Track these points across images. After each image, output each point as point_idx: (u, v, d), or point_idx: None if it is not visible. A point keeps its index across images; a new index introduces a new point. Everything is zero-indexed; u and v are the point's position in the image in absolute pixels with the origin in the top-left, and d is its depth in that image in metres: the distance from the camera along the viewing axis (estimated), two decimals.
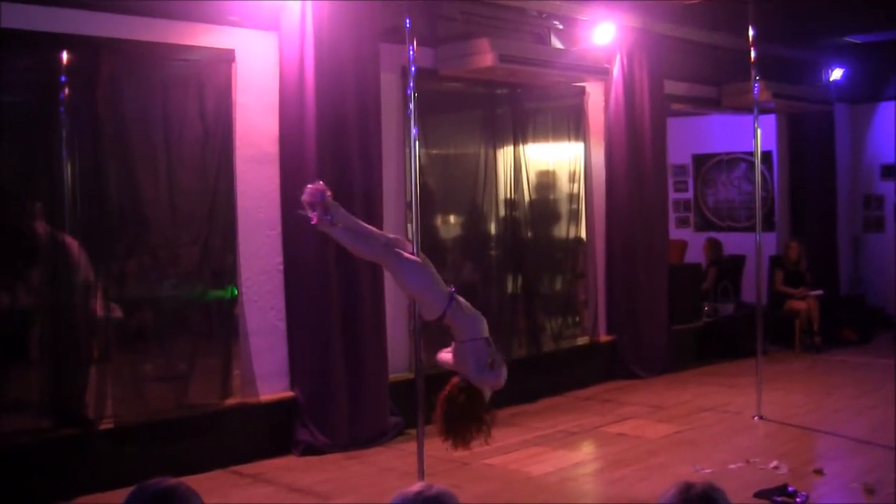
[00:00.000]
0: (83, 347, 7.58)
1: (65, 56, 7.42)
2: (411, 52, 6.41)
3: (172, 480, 2.73)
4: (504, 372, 6.09)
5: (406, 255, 6.21)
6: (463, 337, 6.09)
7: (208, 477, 7.73)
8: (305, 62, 8.41)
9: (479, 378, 6.03)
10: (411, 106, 6.44)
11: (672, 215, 15.15)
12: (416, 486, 2.63)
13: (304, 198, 6.08)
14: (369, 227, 6.49)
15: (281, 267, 8.62)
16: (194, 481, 7.30)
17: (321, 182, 6.13)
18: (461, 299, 6.19)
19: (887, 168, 15.64)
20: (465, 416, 5.96)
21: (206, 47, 8.17)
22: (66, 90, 7.43)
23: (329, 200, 6.07)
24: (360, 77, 8.73)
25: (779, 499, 6.82)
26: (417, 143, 6.56)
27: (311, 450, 8.44)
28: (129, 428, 7.63)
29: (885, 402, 9.97)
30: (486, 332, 6.14)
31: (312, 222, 6.08)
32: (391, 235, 6.51)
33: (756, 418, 9.36)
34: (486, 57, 9.47)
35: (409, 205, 6.95)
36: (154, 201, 7.91)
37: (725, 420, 9.52)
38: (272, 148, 8.56)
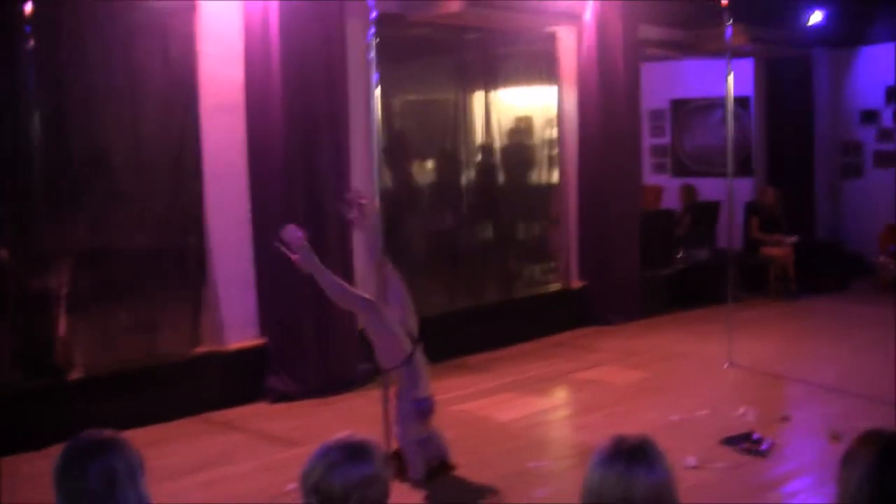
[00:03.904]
0: (52, 297, 7.55)
1: (28, 5, 7.31)
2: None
3: (108, 432, 2.74)
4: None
5: (381, 308, 6.37)
6: (406, 395, 6.36)
7: (179, 424, 7.77)
8: (269, 9, 8.33)
9: (404, 441, 6.37)
10: (372, 54, 6.39)
11: (649, 161, 15.13)
12: (340, 435, 2.67)
13: (285, 236, 6.18)
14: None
15: (249, 215, 8.60)
16: (165, 429, 7.46)
17: (300, 231, 6.20)
18: (419, 356, 6.42)
19: (867, 113, 15.58)
20: None
21: None
22: (30, 40, 7.32)
23: (305, 244, 6.16)
24: (326, 23, 8.64)
25: (744, 445, 6.88)
26: (380, 89, 6.52)
27: (281, 397, 8.48)
28: (99, 378, 7.64)
29: (857, 349, 10.02)
30: (428, 390, 6.42)
31: (293, 259, 6.20)
32: (367, 296, 6.61)
33: (726, 365, 9.36)
34: (454, 2, 9.38)
35: (378, 152, 6.93)
36: (120, 150, 7.89)
37: (695, 367, 9.56)
38: (238, 97, 8.49)
